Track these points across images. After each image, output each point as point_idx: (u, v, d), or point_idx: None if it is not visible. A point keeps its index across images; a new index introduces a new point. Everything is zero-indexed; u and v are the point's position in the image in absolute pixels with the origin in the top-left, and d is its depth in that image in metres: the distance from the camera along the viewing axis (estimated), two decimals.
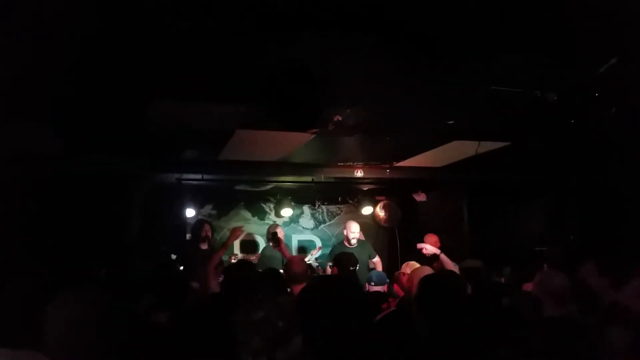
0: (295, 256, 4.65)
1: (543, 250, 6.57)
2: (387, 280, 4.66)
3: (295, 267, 3.77)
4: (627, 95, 3.38)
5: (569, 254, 6.01)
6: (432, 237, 6.59)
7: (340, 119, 4.04)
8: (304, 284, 3.65)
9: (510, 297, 3.67)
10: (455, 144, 5.17)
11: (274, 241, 5.14)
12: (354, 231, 6.33)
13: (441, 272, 3.64)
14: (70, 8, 2.41)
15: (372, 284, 4.45)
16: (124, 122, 4.12)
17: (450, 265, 4.47)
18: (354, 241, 6.34)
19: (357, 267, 4.78)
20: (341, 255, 4.61)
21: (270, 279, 3.90)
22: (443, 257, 4.60)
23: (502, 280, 5.51)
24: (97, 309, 1.75)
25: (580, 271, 4.45)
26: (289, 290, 3.74)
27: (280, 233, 6.58)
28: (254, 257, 6.89)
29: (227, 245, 4.99)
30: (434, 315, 2.00)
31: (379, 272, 5.18)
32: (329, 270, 5.69)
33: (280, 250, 5.11)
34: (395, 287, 4.63)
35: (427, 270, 3.93)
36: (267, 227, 7.13)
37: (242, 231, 5.44)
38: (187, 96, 3.56)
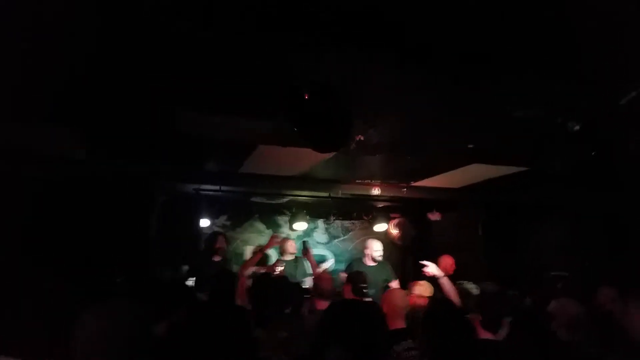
0: (324, 273, 4.67)
1: (559, 275, 6.50)
2: None
3: (324, 283, 3.88)
4: None
5: (585, 280, 5.94)
6: (447, 259, 6.57)
7: (362, 138, 4.07)
8: (328, 301, 3.74)
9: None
10: (474, 166, 5.17)
11: (304, 250, 5.20)
12: (376, 249, 6.20)
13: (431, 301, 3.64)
14: (103, 13, 2.46)
15: None
16: (148, 129, 4.18)
17: (449, 290, 4.33)
18: (374, 259, 6.21)
19: (368, 287, 4.72)
20: (353, 275, 4.61)
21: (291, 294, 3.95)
22: (443, 280, 4.41)
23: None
24: (124, 323, 1.78)
25: (597, 298, 4.43)
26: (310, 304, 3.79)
27: (293, 246, 6.62)
28: (280, 267, 6.89)
29: (263, 250, 5.05)
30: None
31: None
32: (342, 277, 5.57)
33: (308, 259, 5.16)
34: None
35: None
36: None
37: (280, 239, 5.50)
38: (214, 109, 3.61)
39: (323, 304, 3.71)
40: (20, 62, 2.88)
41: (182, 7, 2.42)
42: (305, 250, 5.11)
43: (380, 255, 6.28)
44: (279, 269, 6.53)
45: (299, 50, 2.79)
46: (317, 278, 4.09)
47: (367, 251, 6.32)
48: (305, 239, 5.99)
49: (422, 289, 4.59)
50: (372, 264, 6.24)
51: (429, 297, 4.41)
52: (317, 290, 3.83)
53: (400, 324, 3.24)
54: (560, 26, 2.61)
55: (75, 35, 2.61)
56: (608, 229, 5.92)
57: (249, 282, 4.32)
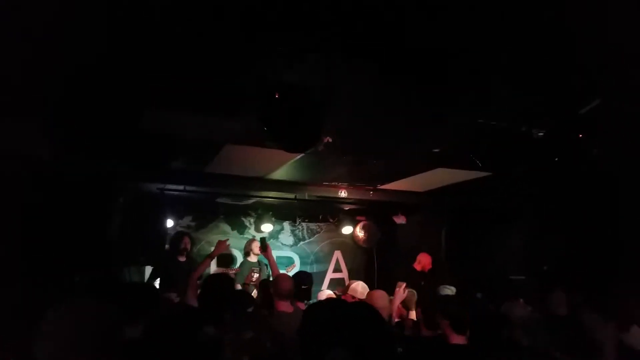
0: (283, 273, 4.62)
1: (517, 279, 6.70)
2: None
3: (284, 283, 3.75)
4: (611, 135, 3.52)
5: (542, 284, 6.13)
6: (426, 257, 6.76)
7: (330, 140, 4.08)
8: (288, 301, 3.71)
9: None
10: (439, 170, 5.27)
11: (262, 246, 5.11)
12: (361, 291, 5.25)
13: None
14: (70, 14, 2.40)
15: None
16: (113, 127, 4.06)
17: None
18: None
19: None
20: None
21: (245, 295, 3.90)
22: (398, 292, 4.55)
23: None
24: (89, 322, 1.74)
25: (549, 302, 4.60)
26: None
27: (257, 247, 6.59)
28: (233, 272, 6.84)
29: (212, 257, 4.93)
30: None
31: None
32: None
33: (267, 257, 5.05)
34: None
35: (379, 294, 3.96)
36: (245, 241, 7.09)
37: (228, 245, 5.41)
38: (180, 107, 3.55)
39: (283, 305, 3.66)
40: None
41: (152, 10, 2.37)
42: (263, 247, 5.00)
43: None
44: (255, 275, 6.51)
45: (270, 50, 2.78)
46: (276, 278, 4.00)
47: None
48: (263, 237, 5.89)
49: (357, 290, 4.68)
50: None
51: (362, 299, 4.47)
52: (278, 290, 3.70)
53: None
54: (524, 37, 2.70)
55: (42, 33, 2.53)
56: (567, 234, 6.13)
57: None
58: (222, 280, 4.22)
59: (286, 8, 2.36)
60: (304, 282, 4.20)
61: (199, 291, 3.98)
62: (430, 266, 6.86)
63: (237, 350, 1.91)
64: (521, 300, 4.93)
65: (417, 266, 6.91)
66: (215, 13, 2.47)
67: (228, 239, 5.34)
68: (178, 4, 2.41)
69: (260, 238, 5.60)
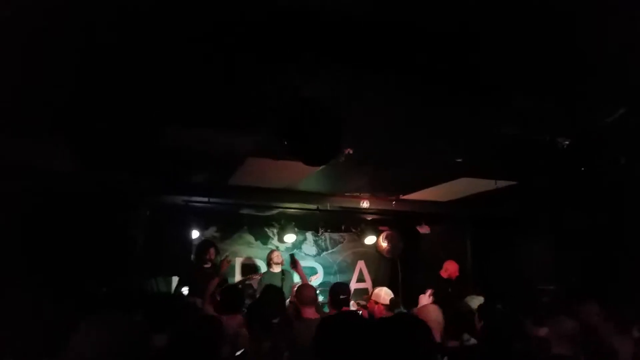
0: (306, 283, 4.78)
1: (545, 289, 6.56)
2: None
3: (306, 291, 3.93)
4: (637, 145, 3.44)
5: (570, 294, 5.99)
6: (452, 265, 6.70)
7: (351, 151, 4.09)
8: (313, 307, 3.79)
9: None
10: (462, 180, 5.21)
11: (292, 262, 5.23)
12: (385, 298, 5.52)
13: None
14: (89, 30, 2.47)
15: None
16: (137, 142, 4.17)
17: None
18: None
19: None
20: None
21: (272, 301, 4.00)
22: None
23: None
24: (121, 336, 1.78)
25: (581, 312, 4.47)
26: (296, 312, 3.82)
27: (279, 258, 6.66)
28: (257, 276, 6.88)
29: (221, 273, 5.11)
30: None
31: None
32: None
33: (297, 272, 5.20)
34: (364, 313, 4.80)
35: (432, 309, 3.95)
36: (268, 251, 7.12)
37: (229, 261, 5.71)
38: (204, 121, 3.62)
39: (309, 312, 3.77)
40: (7, 78, 2.87)
41: (170, 27, 2.43)
42: (293, 262, 5.12)
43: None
44: (256, 277, 6.58)
45: (290, 67, 2.81)
46: (300, 287, 4.17)
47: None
48: (292, 252, 5.98)
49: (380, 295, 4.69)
50: None
51: (385, 304, 4.50)
52: (300, 298, 3.85)
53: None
54: (548, 46, 2.67)
55: (63, 51, 2.62)
56: (594, 243, 5.98)
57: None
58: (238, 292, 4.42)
59: (304, 24, 2.39)
60: (343, 292, 4.25)
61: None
62: (458, 274, 6.80)
63: (256, 359, 1.93)
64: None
65: (444, 274, 6.84)
66: (234, 30, 2.52)
67: (229, 256, 5.48)
68: (198, 23, 2.47)
69: (290, 254, 5.70)
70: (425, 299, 6.24)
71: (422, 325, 1.71)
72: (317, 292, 6.98)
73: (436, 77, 2.99)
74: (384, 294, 4.61)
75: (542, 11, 2.39)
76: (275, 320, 2.85)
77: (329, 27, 2.48)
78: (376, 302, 4.56)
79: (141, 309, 3.61)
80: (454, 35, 2.59)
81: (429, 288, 6.66)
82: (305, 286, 4.16)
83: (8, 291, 4.08)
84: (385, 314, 4.39)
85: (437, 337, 3.26)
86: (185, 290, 6.08)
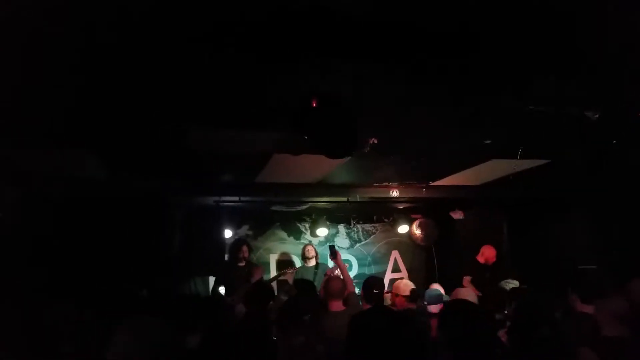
0: (333, 275, 4.78)
1: (587, 269, 6.36)
2: (443, 300, 4.68)
3: (332, 283, 4.00)
4: None
5: (615, 272, 5.79)
6: (490, 250, 6.62)
7: (376, 141, 4.06)
8: (340, 300, 3.81)
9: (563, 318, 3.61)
10: (492, 162, 5.10)
11: (332, 254, 5.26)
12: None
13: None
14: (114, 40, 2.53)
15: (425, 303, 4.47)
16: (166, 147, 4.26)
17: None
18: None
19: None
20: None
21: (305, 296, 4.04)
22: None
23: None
24: (155, 340, 1.83)
25: (629, 291, 4.31)
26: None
27: (313, 251, 6.71)
28: (291, 271, 6.95)
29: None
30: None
31: (434, 290, 5.11)
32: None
33: (337, 264, 5.22)
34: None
35: (465, 292, 3.93)
36: (302, 246, 7.17)
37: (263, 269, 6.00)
38: (226, 123, 3.67)
39: (336, 304, 3.84)
40: (39, 88, 2.97)
41: (194, 29, 2.47)
42: (333, 254, 5.13)
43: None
44: (290, 272, 6.69)
45: (311, 64, 2.82)
46: (327, 280, 4.22)
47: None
48: (331, 244, 6.00)
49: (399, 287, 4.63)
50: None
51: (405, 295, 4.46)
52: (328, 290, 3.91)
53: None
54: (570, 24, 2.58)
55: (92, 59, 2.70)
56: (634, 220, 5.75)
57: None
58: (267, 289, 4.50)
59: (326, 23, 2.39)
60: (376, 286, 4.25)
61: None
62: (495, 259, 6.70)
63: (288, 355, 1.95)
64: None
65: (480, 259, 6.75)
66: (254, 30, 2.54)
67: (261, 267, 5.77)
68: (218, 26, 2.50)
69: (330, 245, 5.73)
70: (466, 283, 6.19)
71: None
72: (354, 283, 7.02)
73: (458, 60, 2.94)
74: (404, 286, 4.56)
75: None
76: (306, 317, 2.88)
77: (351, 25, 2.48)
78: (396, 295, 4.52)
79: (179, 309, 3.73)
80: (471, 20, 2.55)
81: (466, 274, 6.60)
82: (332, 279, 4.19)
83: (50, 296, 4.26)
84: (407, 305, 4.34)
85: None
86: (222, 289, 6.21)
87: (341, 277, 4.77)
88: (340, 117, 2.72)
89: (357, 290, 6.45)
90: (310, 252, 6.72)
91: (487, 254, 6.73)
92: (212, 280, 6.72)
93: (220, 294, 6.16)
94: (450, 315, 2.20)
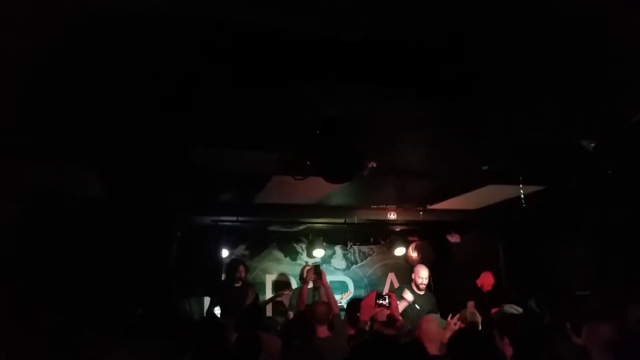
0: (320, 300, 4.74)
1: (585, 295, 6.38)
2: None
3: (318, 309, 4.02)
4: None
5: (612, 298, 5.81)
6: (488, 277, 6.59)
7: (375, 165, 4.10)
8: (325, 326, 3.79)
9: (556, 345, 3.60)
10: (489, 187, 5.15)
11: (317, 273, 5.20)
12: (422, 276, 6.11)
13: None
14: (114, 53, 2.55)
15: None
16: (168, 165, 4.28)
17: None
18: (422, 286, 6.11)
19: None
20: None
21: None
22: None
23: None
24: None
25: (626, 316, 4.33)
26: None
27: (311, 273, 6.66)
28: (287, 292, 6.91)
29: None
30: None
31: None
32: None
33: (322, 284, 5.16)
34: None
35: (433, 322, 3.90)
36: (299, 267, 7.15)
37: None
38: (229, 143, 3.71)
39: (322, 330, 3.82)
40: (39, 105, 3.00)
41: (194, 50, 2.51)
42: (318, 274, 5.08)
43: (426, 282, 6.19)
44: (286, 293, 6.69)
45: (311, 87, 2.86)
46: (313, 304, 4.27)
47: (414, 276, 6.22)
48: (316, 264, 5.98)
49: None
50: (419, 292, 6.09)
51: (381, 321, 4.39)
52: (313, 316, 3.89)
53: (434, 351, 3.25)
54: (571, 50, 2.64)
55: (93, 75, 2.72)
56: (629, 245, 5.80)
57: None
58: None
59: (324, 47, 2.44)
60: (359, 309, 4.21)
61: None
62: (490, 287, 6.64)
63: None
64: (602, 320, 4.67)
65: (479, 284, 6.73)
66: (256, 52, 2.58)
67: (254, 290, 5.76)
68: (222, 45, 2.54)
69: (315, 265, 5.68)
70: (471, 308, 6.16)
71: None
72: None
73: (458, 86, 2.99)
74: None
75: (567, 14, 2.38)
76: (296, 342, 2.87)
77: (348, 48, 2.53)
78: (374, 320, 4.48)
79: (173, 330, 3.70)
80: (474, 46, 2.60)
81: (470, 299, 6.54)
82: (317, 304, 4.19)
83: (43, 315, 4.22)
84: (384, 330, 4.26)
85: (434, 348, 3.21)
86: (217, 310, 6.16)
87: (326, 300, 4.74)
88: (342, 143, 2.75)
89: None
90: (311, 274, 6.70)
91: (484, 280, 6.68)
92: (207, 300, 6.68)
93: (215, 315, 6.12)
94: (460, 342, 2.21)
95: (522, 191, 5.11)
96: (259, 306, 6.11)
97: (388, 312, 4.26)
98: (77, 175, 4.50)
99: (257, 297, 6.43)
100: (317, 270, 5.27)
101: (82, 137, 3.56)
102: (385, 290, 8.06)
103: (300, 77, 2.76)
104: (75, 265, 5.29)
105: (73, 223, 5.36)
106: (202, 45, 2.50)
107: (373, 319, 4.43)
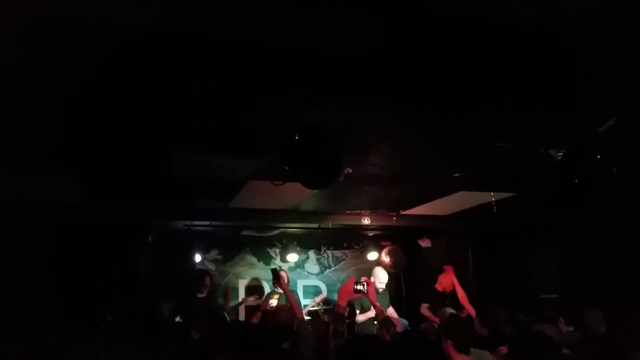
0: (283, 305, 4.64)
1: (549, 298, 6.58)
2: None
3: (282, 315, 3.97)
4: (628, 153, 3.52)
5: (577, 301, 6.01)
6: (447, 278, 6.68)
7: (350, 171, 4.15)
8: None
9: None
10: (461, 194, 5.27)
11: (275, 278, 5.06)
12: (382, 281, 6.26)
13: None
14: (89, 64, 2.53)
15: None
16: (138, 170, 4.22)
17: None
18: (380, 290, 6.23)
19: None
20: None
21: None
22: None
23: None
24: None
25: (585, 319, 4.51)
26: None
27: (285, 277, 6.65)
28: (254, 298, 6.89)
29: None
30: None
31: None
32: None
33: (282, 288, 4.90)
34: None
35: None
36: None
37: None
38: (206, 148, 3.69)
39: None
40: (12, 113, 2.93)
41: (175, 57, 2.51)
42: (276, 278, 4.97)
43: (382, 288, 6.31)
44: (272, 302, 6.53)
45: (287, 90, 2.88)
46: (277, 309, 4.19)
47: (374, 279, 6.31)
48: (273, 267, 5.99)
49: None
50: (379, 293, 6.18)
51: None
52: (277, 323, 3.85)
53: None
54: (539, 62, 2.75)
55: (65, 83, 2.68)
56: (595, 250, 6.02)
57: None
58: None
59: (302, 58, 2.48)
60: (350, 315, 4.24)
61: None
62: (452, 288, 6.77)
63: None
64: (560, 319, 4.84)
65: (439, 287, 6.85)
66: (234, 61, 2.60)
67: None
68: (197, 54, 2.54)
69: (272, 269, 5.59)
70: (423, 310, 6.32)
71: None
72: (322, 310, 7.01)
73: (431, 95, 3.06)
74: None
75: (529, 29, 2.48)
76: (285, 345, 2.86)
77: (325, 59, 2.57)
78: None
79: (145, 335, 3.65)
80: (445, 57, 2.68)
81: (425, 301, 6.70)
82: (280, 309, 4.15)
83: (16, 322, 4.11)
84: None
85: None
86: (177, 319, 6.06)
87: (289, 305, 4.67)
88: (322, 149, 2.79)
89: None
90: (285, 278, 6.70)
91: (444, 282, 6.79)
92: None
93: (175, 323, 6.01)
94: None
95: (492, 198, 5.27)
96: (223, 315, 6.04)
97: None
98: (48, 183, 4.40)
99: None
100: (275, 274, 5.18)
101: (53, 144, 3.49)
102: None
103: (278, 84, 2.78)
104: (45, 272, 5.17)
105: (43, 230, 5.23)
106: (178, 54, 2.50)
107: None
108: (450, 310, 5.59)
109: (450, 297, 6.67)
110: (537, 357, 2.55)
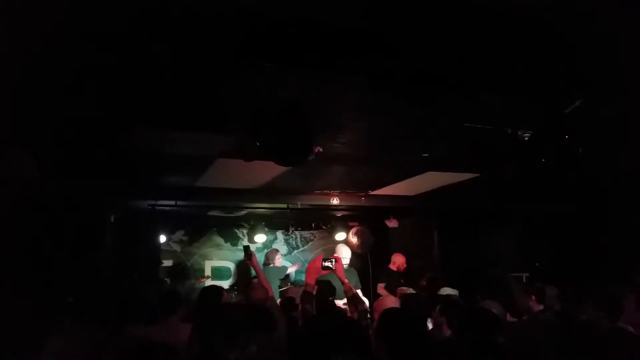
0: (257, 282, 4.44)
1: (516, 277, 6.81)
2: None
3: (255, 293, 4.02)
4: (594, 134, 3.61)
5: (536, 280, 6.22)
6: (400, 257, 6.83)
7: (320, 150, 4.11)
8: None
9: None
10: (429, 174, 5.32)
11: (246, 255, 5.05)
12: (345, 256, 6.22)
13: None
14: (57, 39, 2.41)
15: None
16: (104, 146, 4.06)
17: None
18: (345, 267, 6.26)
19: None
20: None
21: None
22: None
23: None
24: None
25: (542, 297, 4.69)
26: None
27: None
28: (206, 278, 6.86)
29: None
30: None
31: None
32: None
33: (252, 266, 4.85)
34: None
35: (390, 301, 4.01)
36: (239, 253, 7.09)
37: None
38: (172, 123, 3.57)
39: None
40: None
41: (142, 24, 2.39)
42: (247, 255, 4.97)
43: (348, 262, 6.31)
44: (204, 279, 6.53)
45: (259, 66, 2.80)
46: (251, 287, 4.16)
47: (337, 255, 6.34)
48: (245, 244, 5.95)
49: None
50: None
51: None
52: (250, 299, 3.89)
53: None
54: (507, 43, 2.76)
55: (20, 54, 2.53)
56: (557, 231, 6.23)
57: None
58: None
59: (274, 31, 2.40)
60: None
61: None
62: (405, 266, 6.93)
63: None
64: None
65: (393, 266, 6.98)
66: (206, 34, 2.50)
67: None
68: (167, 28, 2.43)
69: (244, 246, 5.54)
70: (380, 290, 6.43)
71: None
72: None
73: (401, 75, 3.05)
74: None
75: (501, 11, 2.48)
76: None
77: (298, 33, 2.50)
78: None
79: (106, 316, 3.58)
80: (418, 37, 2.66)
81: (380, 281, 6.82)
82: (253, 286, 4.15)
83: None
84: None
85: None
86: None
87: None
88: (295, 124, 2.73)
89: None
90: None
91: (398, 261, 6.94)
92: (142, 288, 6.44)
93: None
94: (389, 326, 2.27)
95: (459, 179, 5.34)
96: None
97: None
98: (3, 158, 4.18)
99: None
100: (246, 251, 5.16)
101: (7, 118, 3.31)
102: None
103: (251, 58, 2.70)
104: (4, 252, 4.95)
105: (5, 207, 5.00)
106: (146, 24, 2.39)
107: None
108: (409, 289, 5.69)
109: (404, 276, 6.84)
110: (482, 334, 2.60)
